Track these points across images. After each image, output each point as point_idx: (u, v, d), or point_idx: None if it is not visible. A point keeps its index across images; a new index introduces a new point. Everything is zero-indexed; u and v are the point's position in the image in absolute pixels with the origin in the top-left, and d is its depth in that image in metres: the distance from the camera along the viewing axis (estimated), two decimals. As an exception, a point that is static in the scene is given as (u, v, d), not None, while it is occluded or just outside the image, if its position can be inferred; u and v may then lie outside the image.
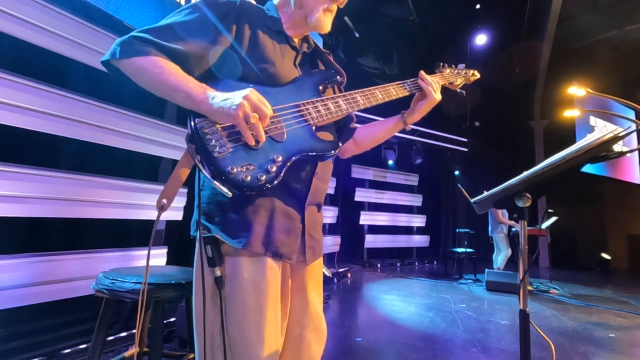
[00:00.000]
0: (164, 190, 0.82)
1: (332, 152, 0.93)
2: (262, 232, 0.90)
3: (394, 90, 1.14)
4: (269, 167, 0.82)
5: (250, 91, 0.80)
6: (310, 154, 0.89)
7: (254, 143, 0.81)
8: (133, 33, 0.84)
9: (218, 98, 0.80)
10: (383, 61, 7.80)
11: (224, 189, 0.77)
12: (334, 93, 1.09)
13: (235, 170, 0.78)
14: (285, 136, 0.87)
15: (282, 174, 0.83)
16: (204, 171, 0.78)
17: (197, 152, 0.80)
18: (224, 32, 0.91)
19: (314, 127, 0.93)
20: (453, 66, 1.35)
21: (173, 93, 0.82)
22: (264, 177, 0.80)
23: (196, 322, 0.90)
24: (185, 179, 0.85)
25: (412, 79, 1.18)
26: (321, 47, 1.16)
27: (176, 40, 0.85)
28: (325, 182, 1.05)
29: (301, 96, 0.95)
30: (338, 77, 1.05)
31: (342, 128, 1.22)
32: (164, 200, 0.81)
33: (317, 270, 1.10)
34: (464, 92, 1.39)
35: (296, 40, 1.06)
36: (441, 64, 1.32)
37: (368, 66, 7.82)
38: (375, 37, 7.31)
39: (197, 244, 0.91)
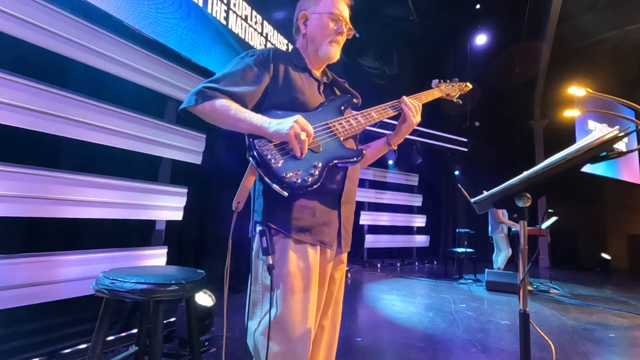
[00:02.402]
0: (237, 196, 1.06)
1: (358, 157, 1.15)
2: (309, 224, 1.11)
3: (394, 108, 1.33)
4: (312, 171, 1.04)
5: (298, 117, 1.03)
6: (341, 160, 1.12)
7: (299, 155, 1.02)
8: (201, 85, 1.08)
9: (273, 123, 1.03)
10: (383, 61, 7.79)
11: (281, 190, 0.98)
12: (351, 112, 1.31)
13: (289, 174, 1.00)
14: (321, 148, 1.10)
15: (322, 176, 1.06)
16: (266, 178, 1.00)
17: (258, 165, 1.01)
18: (264, 75, 1.16)
19: (342, 139, 1.16)
20: (448, 81, 1.57)
21: (239, 122, 1.05)
22: (310, 179, 1.03)
23: (249, 305, 1.11)
24: (251, 185, 1.10)
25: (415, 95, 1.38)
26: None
27: (232, 85, 1.10)
28: (355, 183, 1.27)
29: (328, 116, 1.18)
30: (354, 100, 1.30)
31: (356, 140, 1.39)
32: (238, 202, 1.06)
33: (344, 263, 1.29)
34: (460, 101, 1.60)
35: (317, 73, 1.31)
36: (438, 80, 1.54)
37: (368, 66, 7.82)
38: (375, 37, 7.30)
39: (255, 240, 1.12)
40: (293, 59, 1.26)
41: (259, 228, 1.10)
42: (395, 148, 1.40)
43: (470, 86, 1.60)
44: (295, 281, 1.06)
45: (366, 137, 1.34)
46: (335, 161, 1.10)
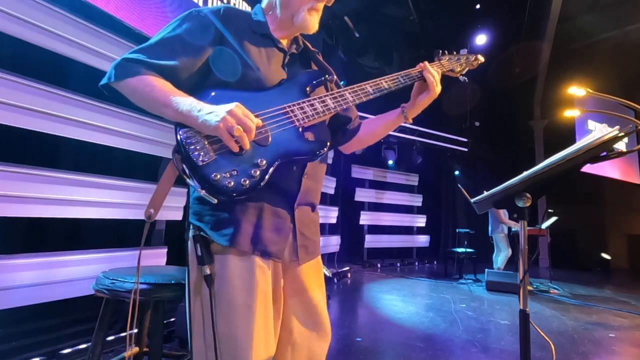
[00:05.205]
0: (151, 201, 0.86)
1: (319, 152, 0.92)
2: (250, 230, 0.91)
3: (386, 84, 1.11)
4: (252, 171, 0.83)
5: (235, 105, 0.82)
6: (295, 155, 0.90)
7: (237, 151, 0.82)
8: (125, 55, 0.88)
9: (203, 111, 0.82)
10: (383, 61, 7.80)
11: (209, 197, 0.80)
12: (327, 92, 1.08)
13: (218, 177, 0.80)
14: (269, 140, 0.88)
15: (266, 178, 0.85)
16: (188, 180, 0.81)
17: (182, 161, 0.82)
18: (208, 42, 0.94)
19: (300, 129, 0.93)
20: (454, 52, 1.32)
21: (164, 109, 0.85)
22: (247, 182, 0.81)
23: (189, 320, 0.92)
24: (169, 190, 0.89)
25: (404, 72, 1.15)
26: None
27: (164, 57, 0.89)
28: (317, 182, 1.05)
29: (287, 98, 0.95)
30: (327, 75, 1.03)
31: (342, 127, 1.22)
32: (152, 210, 0.86)
33: (317, 269, 1.10)
34: (466, 78, 1.36)
35: (285, 42, 1.07)
36: (440, 51, 1.29)
37: (368, 66, 7.83)
38: (375, 37, 7.31)
39: (189, 243, 0.93)
40: (251, 23, 1.03)
41: (191, 232, 0.92)
42: (411, 121, 1.20)
43: (482, 59, 1.35)
44: (237, 296, 0.88)
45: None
46: (284, 159, 0.88)
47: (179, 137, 0.83)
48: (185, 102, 0.84)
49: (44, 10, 2.08)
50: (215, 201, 0.80)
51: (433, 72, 1.13)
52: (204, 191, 0.80)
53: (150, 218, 0.86)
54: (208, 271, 0.88)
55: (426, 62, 1.16)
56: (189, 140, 0.82)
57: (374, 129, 1.25)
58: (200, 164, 0.80)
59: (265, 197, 0.93)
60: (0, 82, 1.84)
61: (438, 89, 1.14)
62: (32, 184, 1.97)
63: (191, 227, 0.93)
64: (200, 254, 0.89)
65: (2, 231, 2.19)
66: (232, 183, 0.80)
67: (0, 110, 1.85)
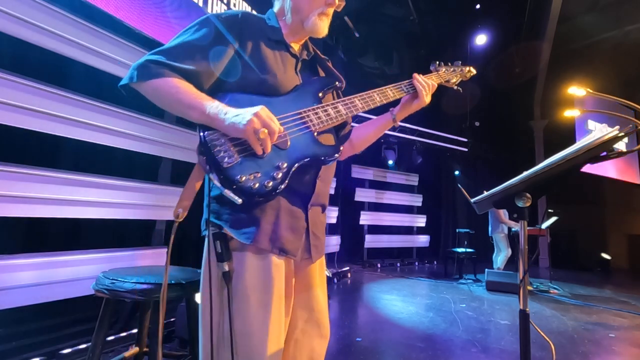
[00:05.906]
0: (180, 201, 0.89)
1: (334, 155, 0.98)
2: (269, 229, 0.94)
3: (391, 93, 1.18)
4: (274, 173, 0.88)
5: (260, 108, 0.86)
6: (313, 159, 0.95)
7: (261, 153, 0.87)
8: (147, 56, 0.90)
9: (230, 114, 0.86)
10: (383, 61, 7.81)
11: (234, 197, 0.83)
12: (334, 98, 1.14)
13: (243, 178, 0.84)
14: (288, 143, 0.93)
15: (287, 180, 0.89)
16: (215, 181, 0.84)
17: (208, 163, 0.86)
18: (228, 47, 0.97)
19: (315, 133, 0.98)
20: (449, 64, 1.38)
21: (188, 110, 0.88)
22: (270, 184, 0.86)
23: (202, 315, 0.93)
24: (198, 189, 0.92)
25: (408, 81, 1.22)
26: (321, 47, 1.17)
27: (186, 60, 0.92)
28: (327, 184, 1.10)
29: (302, 104, 1.00)
30: (337, 82, 1.09)
31: (340, 131, 1.25)
32: (180, 210, 0.88)
33: (321, 268, 1.14)
34: (460, 89, 1.42)
35: (296, 47, 1.11)
36: (437, 62, 1.35)
37: (368, 66, 7.83)
38: (375, 37, 7.31)
39: (207, 241, 0.95)
40: (266, 29, 1.06)
41: (212, 230, 0.94)
42: (398, 125, 1.26)
43: (474, 71, 1.41)
44: (253, 294, 0.91)
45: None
46: (302, 161, 0.93)
47: (203, 138, 0.87)
48: (212, 105, 0.87)
49: (44, 10, 2.08)
50: (240, 201, 0.83)
51: (423, 83, 1.19)
52: (228, 192, 0.83)
53: (178, 217, 0.88)
54: (227, 268, 0.90)
55: (415, 74, 1.22)
56: (214, 143, 0.86)
57: (366, 133, 1.29)
58: (226, 165, 0.84)
59: (283, 198, 0.96)
60: (0, 82, 1.84)
61: (427, 98, 1.20)
62: (32, 184, 1.97)
63: (211, 226, 0.95)
64: (220, 251, 0.91)
65: (2, 231, 2.19)
66: (257, 184, 0.85)
67: (0, 110, 1.85)
